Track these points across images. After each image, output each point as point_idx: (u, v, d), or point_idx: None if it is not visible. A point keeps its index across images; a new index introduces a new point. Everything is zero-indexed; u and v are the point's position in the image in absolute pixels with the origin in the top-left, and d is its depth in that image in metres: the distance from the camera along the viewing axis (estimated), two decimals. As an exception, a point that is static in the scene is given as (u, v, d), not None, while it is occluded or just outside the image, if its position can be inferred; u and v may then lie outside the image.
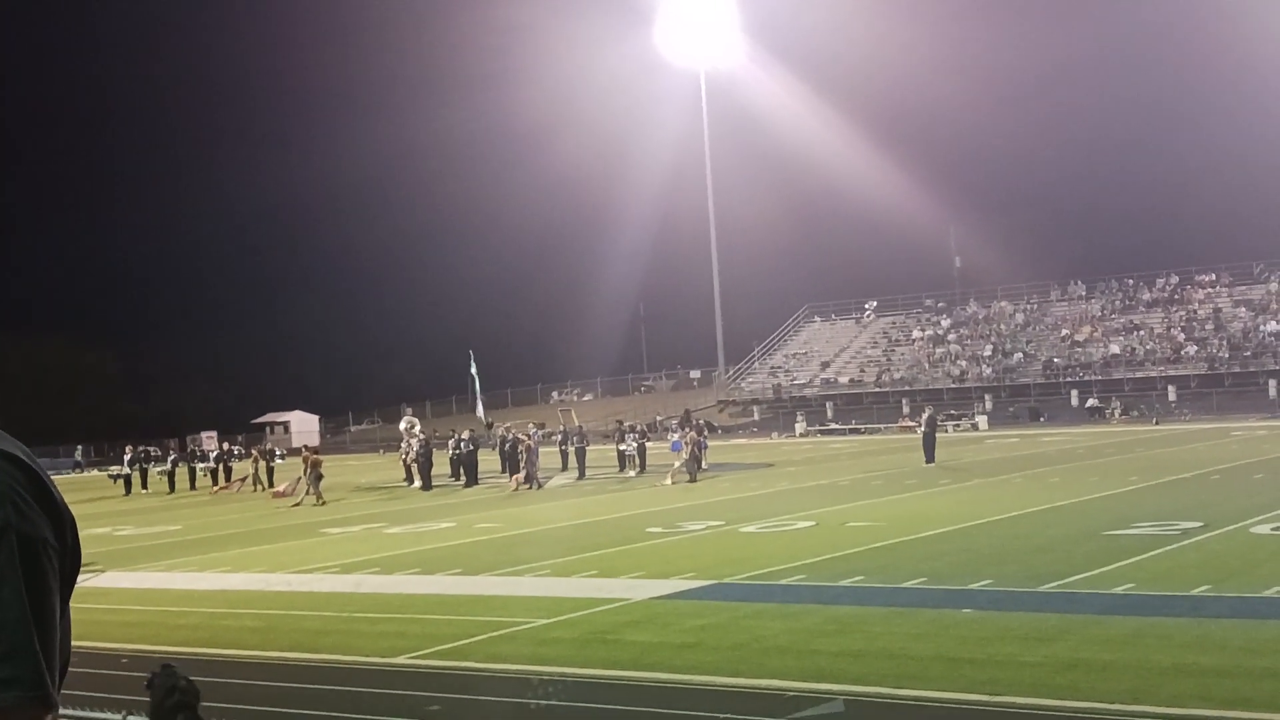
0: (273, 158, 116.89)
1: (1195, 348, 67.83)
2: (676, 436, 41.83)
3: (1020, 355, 73.36)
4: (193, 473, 50.98)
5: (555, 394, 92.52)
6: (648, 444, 43.18)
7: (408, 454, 42.84)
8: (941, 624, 13.68)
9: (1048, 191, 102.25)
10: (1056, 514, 23.38)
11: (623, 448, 42.90)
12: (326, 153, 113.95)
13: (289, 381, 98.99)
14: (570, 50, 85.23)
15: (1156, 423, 57.48)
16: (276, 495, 39.55)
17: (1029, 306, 79.10)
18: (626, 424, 45.27)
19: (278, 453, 53.48)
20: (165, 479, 50.24)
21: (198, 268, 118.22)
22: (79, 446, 54.24)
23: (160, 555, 25.41)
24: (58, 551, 1.71)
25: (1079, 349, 71.98)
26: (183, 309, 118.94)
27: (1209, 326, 69.47)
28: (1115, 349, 70.46)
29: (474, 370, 49.00)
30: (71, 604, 1.81)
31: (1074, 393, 67.37)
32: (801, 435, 65.64)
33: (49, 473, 1.79)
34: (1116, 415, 62.09)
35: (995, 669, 11.54)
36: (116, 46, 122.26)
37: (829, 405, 73.05)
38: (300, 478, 38.12)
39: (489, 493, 37.89)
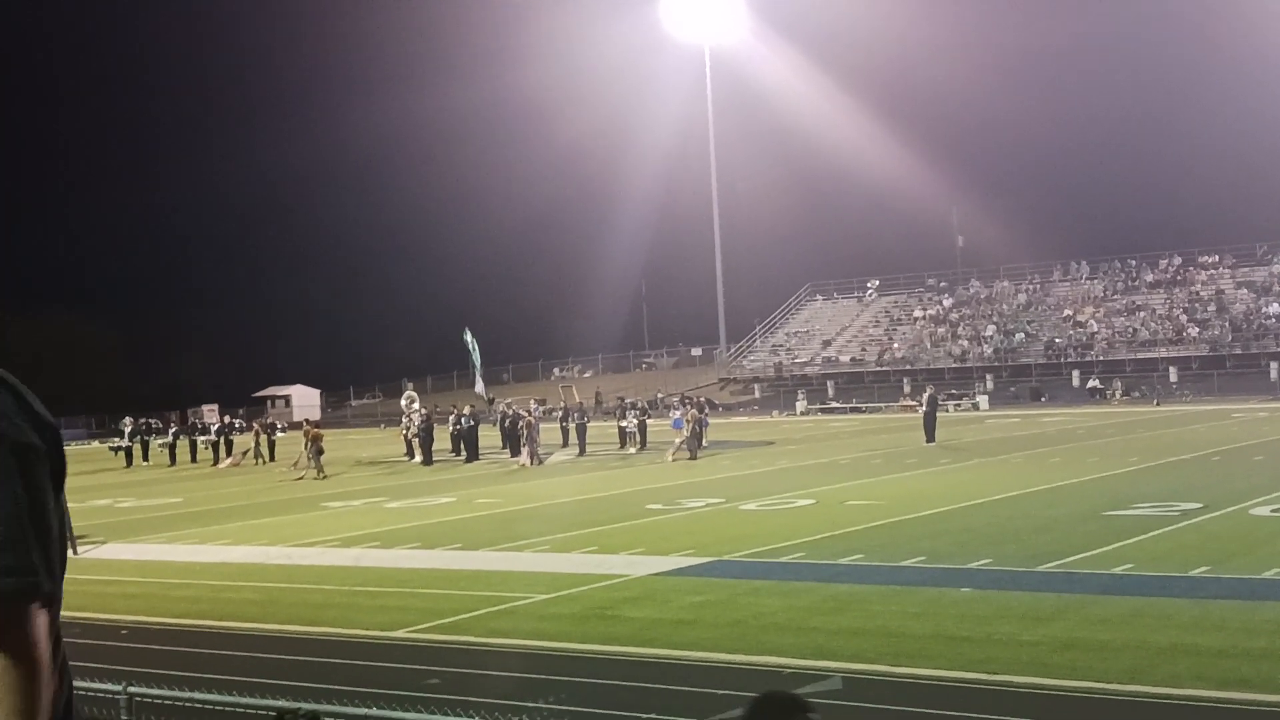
0: (273, 132, 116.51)
1: (1197, 329, 67.76)
2: (678, 414, 41.85)
3: (1022, 335, 73.30)
4: (194, 445, 51.02)
5: (556, 370, 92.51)
6: (648, 421, 43.21)
7: (408, 429, 42.88)
8: (940, 603, 13.71)
9: (1051, 171, 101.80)
10: (1056, 494, 23.41)
11: (623, 424, 42.94)
12: (327, 127, 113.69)
13: (290, 355, 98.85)
14: (573, 25, 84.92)
15: (1157, 404, 57.47)
16: (294, 466, 39.08)
17: (1031, 286, 78.99)
18: (628, 401, 45.29)
19: (279, 426, 53.52)
20: (166, 451, 50.32)
21: (198, 241, 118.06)
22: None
23: (161, 527, 25.47)
24: (46, 455, 1.89)
25: (1080, 329, 71.93)
26: (184, 282, 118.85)
27: (1211, 308, 69.38)
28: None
29: (472, 344, 48.88)
30: (72, 576, 1.89)
31: (1075, 373, 67.32)
32: (802, 414, 65.63)
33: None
34: (1117, 396, 62.08)
35: (993, 648, 11.57)
36: (114, 24, 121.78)
37: (830, 384, 73.03)
38: (301, 452, 38.10)
39: (489, 468, 37.93)
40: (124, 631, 14.22)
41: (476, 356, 48.78)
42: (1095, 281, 76.88)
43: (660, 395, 68.41)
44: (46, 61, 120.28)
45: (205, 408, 76.17)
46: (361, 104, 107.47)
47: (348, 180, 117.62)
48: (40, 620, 1.81)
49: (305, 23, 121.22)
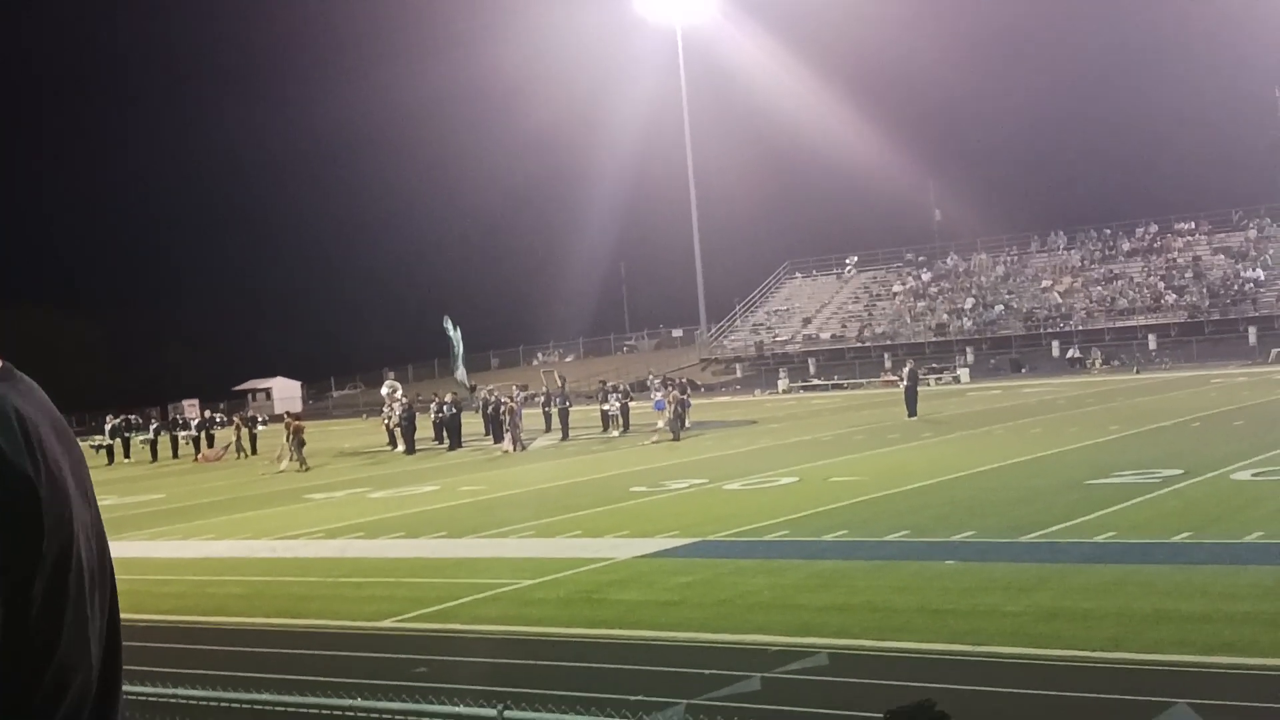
0: (247, 121, 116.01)
1: (1175, 296, 68.04)
2: (660, 396, 41.84)
3: (1001, 307, 73.50)
4: (175, 441, 50.82)
5: (538, 355, 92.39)
6: (630, 404, 43.19)
7: (390, 418, 42.79)
8: (924, 576, 13.76)
9: (1026, 143, 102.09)
10: (1038, 465, 23.51)
11: (605, 408, 42.90)
12: (301, 115, 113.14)
13: (270, 348, 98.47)
14: (545, 7, 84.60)
15: (1137, 372, 57.71)
16: (276, 459, 38.87)
17: (1009, 258, 79.17)
18: (609, 384, 45.26)
19: (260, 419, 53.31)
20: (147, 448, 50.10)
21: (176, 234, 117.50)
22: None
23: (144, 524, 25.37)
24: (14, 522, 1.30)
25: (1059, 299, 72.15)
26: (162, 276, 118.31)
27: (1189, 275, 69.66)
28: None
29: (454, 333, 48.68)
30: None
31: (1055, 343, 67.57)
32: (784, 392, 65.72)
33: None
34: (1097, 365, 62.33)
35: (978, 619, 11.62)
36: (89, 13, 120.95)
37: (811, 361, 73.14)
38: (284, 444, 37.96)
39: (472, 455, 37.89)
40: (109, 629, 14.17)
41: (459, 345, 48.62)
42: (1073, 251, 77.10)
43: (651, 375, 68.27)
44: (20, 51, 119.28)
45: (186, 403, 75.87)
46: (335, 90, 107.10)
47: (322, 167, 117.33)
48: None
49: (278, 8, 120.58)
